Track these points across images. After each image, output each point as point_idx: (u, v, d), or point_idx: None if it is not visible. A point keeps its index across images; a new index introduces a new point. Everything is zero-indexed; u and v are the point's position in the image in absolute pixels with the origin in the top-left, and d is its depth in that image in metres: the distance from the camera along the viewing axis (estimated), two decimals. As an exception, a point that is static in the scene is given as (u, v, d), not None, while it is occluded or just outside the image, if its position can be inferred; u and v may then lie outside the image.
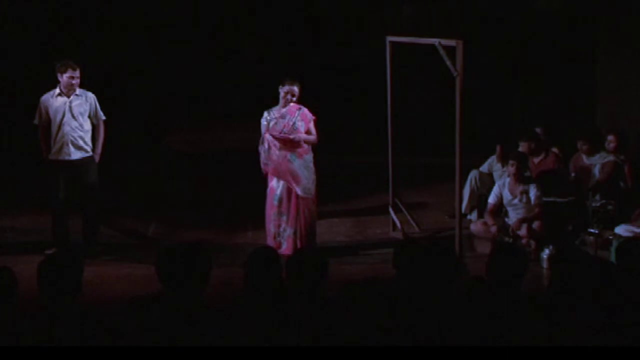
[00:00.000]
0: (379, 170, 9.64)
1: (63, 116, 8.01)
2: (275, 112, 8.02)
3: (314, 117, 8.04)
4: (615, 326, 4.11)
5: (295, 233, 8.00)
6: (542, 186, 8.46)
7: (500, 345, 3.93)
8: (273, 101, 8.14)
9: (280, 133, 7.92)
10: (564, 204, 8.63)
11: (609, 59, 11.19)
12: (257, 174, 8.41)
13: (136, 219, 9.47)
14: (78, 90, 8.08)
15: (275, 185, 8.03)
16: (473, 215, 9.15)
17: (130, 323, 4.11)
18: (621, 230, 7.87)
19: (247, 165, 8.61)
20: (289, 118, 7.95)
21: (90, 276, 5.34)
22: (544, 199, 8.40)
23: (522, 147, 8.99)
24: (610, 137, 8.88)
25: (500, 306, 4.14)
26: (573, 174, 9.01)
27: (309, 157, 8.06)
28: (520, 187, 8.40)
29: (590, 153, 8.87)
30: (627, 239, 6.20)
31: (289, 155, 7.94)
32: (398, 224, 8.92)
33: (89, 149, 8.17)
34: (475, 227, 8.59)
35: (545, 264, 7.69)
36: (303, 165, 7.99)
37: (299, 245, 7.90)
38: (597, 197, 8.59)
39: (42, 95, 8.11)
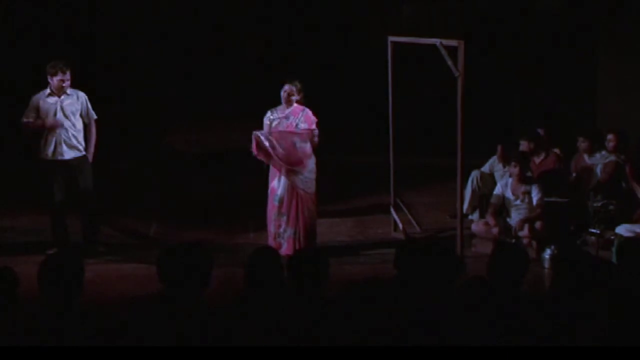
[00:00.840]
0: (380, 170, 9.64)
1: (55, 116, 8.00)
2: (279, 112, 8.02)
3: (316, 120, 8.04)
4: (615, 326, 4.10)
5: (295, 233, 8.00)
6: (543, 186, 8.45)
7: (500, 345, 3.93)
8: (273, 101, 8.13)
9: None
10: (565, 204, 8.63)
11: (609, 59, 11.19)
12: (258, 174, 8.40)
13: (137, 219, 9.47)
14: (69, 90, 8.08)
15: (277, 186, 8.03)
16: (474, 216, 9.14)
17: (131, 323, 4.11)
18: (622, 230, 7.86)
19: (248, 165, 8.59)
20: (293, 119, 7.96)
21: (90, 276, 5.34)
22: (545, 199, 8.40)
23: (523, 145, 8.99)
24: (610, 137, 8.88)
25: (501, 306, 4.14)
26: (574, 174, 9.01)
27: (312, 161, 8.05)
28: (522, 188, 8.40)
29: (589, 151, 8.86)
30: (628, 239, 6.21)
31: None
32: (399, 224, 8.92)
33: (82, 148, 8.17)
34: (477, 227, 8.58)
35: (546, 264, 7.69)
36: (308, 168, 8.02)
37: (299, 246, 7.89)
38: (599, 197, 8.59)
39: (32, 94, 8.11)
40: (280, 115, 7.98)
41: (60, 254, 7.60)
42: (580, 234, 8.32)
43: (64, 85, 7.97)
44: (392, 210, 9.07)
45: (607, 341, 4.02)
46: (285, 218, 8.01)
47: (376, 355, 3.85)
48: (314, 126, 8.02)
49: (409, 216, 9.06)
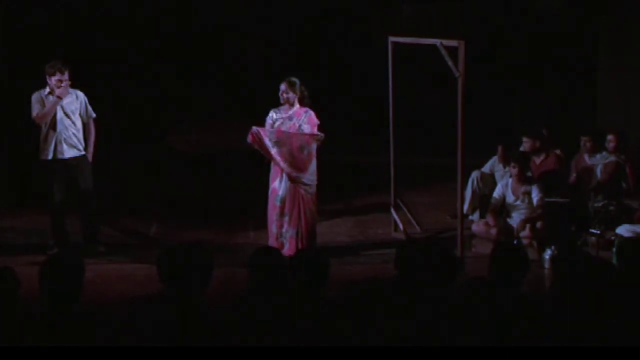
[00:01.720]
0: (380, 170, 9.64)
1: (55, 114, 8.01)
2: (282, 112, 8.01)
3: (318, 122, 8.04)
4: (615, 326, 4.10)
5: (297, 233, 7.99)
6: (544, 187, 8.45)
7: (500, 346, 3.92)
8: (274, 101, 8.13)
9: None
10: (565, 204, 8.63)
11: (609, 59, 11.19)
12: (259, 174, 8.40)
13: (137, 219, 9.47)
14: (68, 89, 8.08)
15: (278, 186, 8.03)
16: (475, 216, 9.14)
17: (131, 323, 4.11)
18: (623, 230, 7.86)
19: (249, 166, 8.60)
20: (296, 120, 7.96)
21: (91, 276, 5.33)
22: (546, 199, 8.40)
23: (526, 143, 8.98)
24: (610, 137, 8.88)
25: (501, 306, 4.13)
26: (575, 175, 9.01)
27: (314, 163, 8.05)
28: (523, 188, 8.40)
29: (593, 151, 8.85)
30: (629, 239, 6.20)
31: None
32: (400, 225, 8.91)
33: (81, 147, 8.17)
34: (477, 227, 8.57)
35: (547, 265, 7.69)
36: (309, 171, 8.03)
37: (301, 246, 7.89)
38: (599, 197, 8.59)
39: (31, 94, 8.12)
40: (284, 116, 7.98)
41: (61, 254, 7.64)
42: (581, 234, 8.32)
43: (62, 85, 7.96)
44: (392, 210, 9.07)
45: (607, 341, 4.02)
46: (287, 218, 8.00)
47: (376, 355, 3.85)
48: (315, 129, 8.01)
49: (409, 216, 9.06)
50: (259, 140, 7.86)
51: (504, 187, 8.53)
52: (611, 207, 8.44)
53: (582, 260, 4.47)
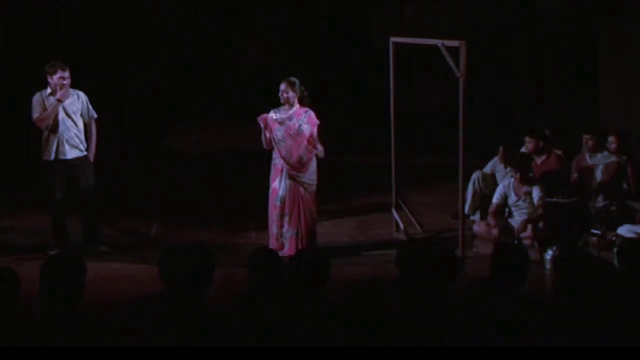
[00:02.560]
0: (382, 171, 9.63)
1: (57, 115, 8.00)
2: (282, 112, 8.00)
3: (318, 122, 8.03)
4: (616, 326, 4.10)
5: (297, 234, 7.99)
6: (545, 187, 8.45)
7: (500, 346, 3.92)
8: (274, 101, 8.13)
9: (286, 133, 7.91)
10: (566, 204, 8.62)
11: (609, 59, 11.19)
12: (259, 175, 8.40)
13: (138, 219, 9.47)
14: (69, 90, 8.08)
15: (278, 186, 8.02)
16: (476, 216, 9.13)
17: (132, 323, 4.10)
18: (624, 231, 7.86)
19: (249, 166, 8.60)
20: (296, 120, 7.95)
21: (92, 276, 5.32)
22: (547, 199, 8.39)
23: (529, 143, 8.98)
24: (611, 138, 8.88)
25: (502, 307, 4.13)
26: (576, 175, 9.00)
27: (314, 163, 8.06)
28: (524, 188, 8.39)
29: (594, 149, 8.84)
30: (630, 239, 6.20)
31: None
32: (401, 225, 8.91)
33: (83, 147, 8.17)
34: (478, 228, 8.57)
35: (548, 265, 7.69)
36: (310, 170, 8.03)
37: (301, 246, 7.88)
38: (600, 198, 8.59)
39: (32, 94, 8.11)
40: (284, 116, 7.97)
41: (62, 254, 7.64)
42: (582, 234, 8.32)
43: (64, 82, 7.95)
44: (393, 210, 9.06)
45: (607, 341, 4.02)
46: (287, 218, 8.00)
47: (376, 356, 3.85)
48: (315, 129, 8.00)
49: (410, 216, 9.05)
50: (269, 129, 7.87)
51: (506, 187, 8.53)
52: (612, 208, 8.44)
53: (583, 261, 4.46)
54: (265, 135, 7.95)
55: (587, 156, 8.93)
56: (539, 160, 9.03)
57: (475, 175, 9.25)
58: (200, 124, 13.13)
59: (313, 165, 8.03)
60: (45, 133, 8.04)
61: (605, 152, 8.86)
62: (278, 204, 8.02)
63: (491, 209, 8.56)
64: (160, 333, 3.99)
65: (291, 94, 7.93)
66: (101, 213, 8.49)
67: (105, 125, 8.52)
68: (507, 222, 8.45)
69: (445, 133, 9.00)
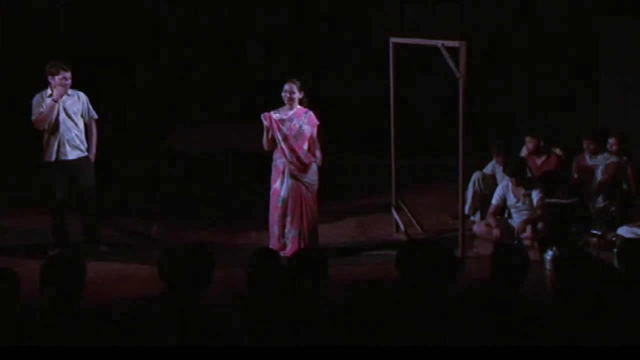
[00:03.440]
0: (382, 171, 9.63)
1: (58, 116, 8.00)
2: (282, 113, 7.99)
3: (318, 123, 8.02)
4: (616, 326, 4.10)
5: (300, 234, 7.98)
6: (545, 187, 8.45)
7: (500, 346, 3.92)
8: (274, 102, 8.12)
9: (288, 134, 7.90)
10: (566, 205, 8.63)
11: (610, 59, 11.20)
12: (259, 175, 8.39)
13: (138, 219, 9.47)
14: (70, 91, 8.07)
15: (279, 187, 8.01)
16: (476, 217, 9.13)
17: (132, 323, 4.10)
18: (623, 231, 7.87)
19: (249, 166, 8.60)
20: (296, 121, 7.93)
21: (92, 276, 5.33)
22: (547, 200, 8.39)
23: (530, 143, 8.99)
24: (612, 140, 8.88)
25: (502, 307, 4.13)
26: (576, 176, 9.00)
27: (315, 164, 8.07)
28: (523, 190, 8.39)
29: (595, 152, 8.84)
30: (629, 240, 6.20)
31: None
32: (401, 225, 8.91)
33: (84, 148, 8.17)
34: (478, 228, 8.58)
35: (548, 266, 7.69)
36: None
37: (304, 246, 7.87)
38: (600, 198, 8.59)
39: (33, 95, 8.10)
40: (284, 117, 7.95)
41: (62, 254, 7.63)
42: (582, 235, 8.32)
43: (66, 83, 7.96)
44: (393, 211, 9.06)
45: (607, 341, 4.02)
46: (289, 219, 7.99)
47: (376, 356, 3.85)
48: (315, 129, 8.00)
49: (411, 217, 9.05)
50: (273, 128, 7.86)
51: (505, 188, 8.53)
52: (612, 208, 8.45)
53: (583, 261, 4.47)
54: (267, 135, 7.94)
55: (587, 157, 8.93)
56: (539, 160, 9.03)
57: (476, 175, 9.25)
58: (200, 124, 13.11)
59: (314, 166, 8.04)
60: (46, 134, 8.04)
61: (606, 153, 8.85)
62: (280, 204, 8.01)
63: (490, 210, 8.56)
64: (160, 333, 3.99)
65: (296, 94, 7.93)
66: (101, 213, 8.49)
67: (105, 125, 8.52)
68: (507, 223, 8.45)
69: (446, 133, 8.99)
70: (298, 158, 7.93)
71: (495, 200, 8.56)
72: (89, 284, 4.34)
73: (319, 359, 3.90)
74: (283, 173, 7.98)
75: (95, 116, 8.26)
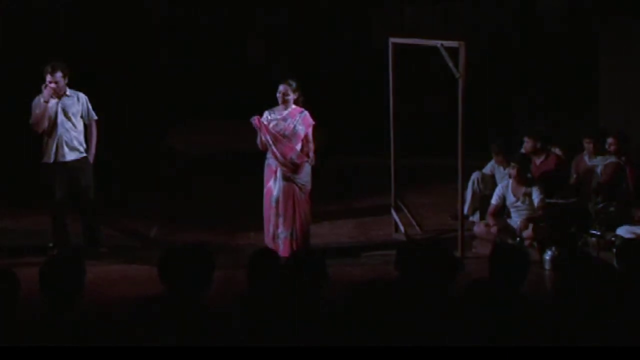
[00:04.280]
0: (381, 171, 9.63)
1: (56, 117, 8.00)
2: (277, 113, 7.98)
3: (313, 123, 8.00)
4: (615, 326, 4.10)
5: (291, 235, 7.95)
6: (544, 188, 8.45)
7: (500, 346, 3.92)
8: (273, 102, 8.12)
9: (280, 134, 7.89)
10: (566, 205, 8.63)
11: (610, 59, 11.19)
12: (259, 175, 8.39)
13: (138, 220, 9.47)
14: (69, 91, 8.07)
15: (273, 186, 7.99)
16: (475, 217, 9.13)
17: (132, 324, 4.11)
18: (623, 231, 7.87)
19: (249, 166, 8.60)
20: (290, 121, 7.92)
21: (92, 277, 5.33)
22: (546, 200, 8.40)
23: (527, 143, 8.99)
24: (610, 140, 8.89)
25: (502, 307, 4.13)
26: (575, 176, 9.01)
27: (307, 166, 8.05)
28: (523, 189, 8.41)
29: (595, 152, 8.85)
30: (629, 240, 6.21)
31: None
32: (400, 226, 8.91)
33: (82, 149, 8.17)
34: (478, 228, 8.58)
35: (547, 266, 7.69)
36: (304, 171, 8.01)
37: (295, 247, 7.85)
38: (599, 198, 8.59)
39: (33, 96, 8.11)
40: (278, 117, 7.94)
41: (61, 255, 7.63)
42: (581, 235, 8.32)
43: (52, 86, 7.93)
44: (393, 211, 9.07)
45: (607, 341, 4.02)
46: (281, 219, 7.97)
47: (376, 356, 3.85)
48: (310, 129, 7.98)
49: (410, 217, 9.05)
50: (263, 131, 7.84)
51: (504, 188, 8.54)
52: (611, 208, 8.45)
53: (582, 261, 4.47)
54: (260, 136, 7.93)
55: (586, 157, 8.94)
56: (538, 160, 9.04)
57: (475, 175, 9.26)
58: (200, 124, 13.11)
59: (307, 167, 8.01)
60: (45, 135, 8.05)
61: (605, 154, 8.86)
62: (273, 204, 8.00)
63: (490, 210, 8.57)
64: (160, 333, 3.99)
65: (291, 96, 7.92)
66: (101, 214, 8.49)
67: (106, 125, 8.52)
68: (507, 223, 8.46)
69: (445, 134, 8.99)
70: (290, 159, 7.89)
71: (494, 200, 8.57)
72: (88, 284, 4.34)
73: (319, 359, 3.91)
74: (275, 173, 7.96)
75: (95, 117, 8.25)
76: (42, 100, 7.94)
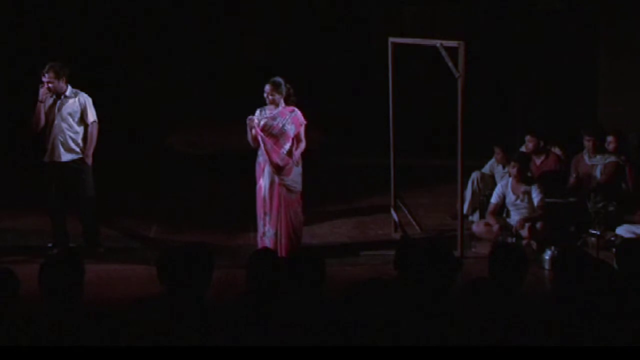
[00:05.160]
0: (381, 171, 9.64)
1: (53, 118, 8.01)
2: (267, 111, 7.95)
3: (305, 122, 7.96)
4: (614, 326, 4.11)
5: (276, 234, 7.92)
6: (544, 187, 8.46)
7: (500, 346, 3.93)
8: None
9: (268, 133, 7.85)
10: (565, 205, 8.63)
11: (609, 59, 11.20)
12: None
13: (137, 220, 9.47)
14: (68, 92, 8.05)
15: (262, 184, 7.97)
16: (475, 216, 9.14)
17: (131, 324, 4.11)
18: (622, 231, 7.87)
19: (249, 166, 8.59)
20: (280, 120, 7.87)
21: (91, 277, 5.35)
22: (546, 199, 8.40)
23: (530, 142, 9.00)
24: (610, 138, 8.90)
25: (501, 307, 4.14)
26: (574, 175, 9.01)
27: (299, 168, 8.02)
28: (523, 188, 8.41)
29: (595, 150, 8.85)
30: (628, 239, 6.21)
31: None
32: (400, 226, 8.92)
33: (79, 150, 8.14)
34: (477, 228, 8.59)
35: (547, 265, 7.69)
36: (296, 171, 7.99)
37: (280, 247, 7.80)
38: (599, 198, 8.59)
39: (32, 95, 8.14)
40: (268, 116, 7.89)
41: (61, 254, 7.63)
42: (581, 234, 8.33)
43: (49, 85, 7.94)
44: (392, 211, 9.07)
45: (607, 341, 4.02)
46: (268, 218, 7.95)
47: (376, 356, 3.85)
48: (302, 129, 7.93)
49: (410, 217, 9.06)
50: (257, 129, 7.82)
51: (504, 186, 8.54)
52: (611, 208, 8.45)
53: (581, 261, 4.47)
54: (250, 132, 7.88)
55: (585, 157, 8.94)
56: (538, 160, 9.05)
57: (474, 175, 9.27)
58: (200, 124, 13.12)
59: (297, 169, 7.96)
60: (42, 135, 8.06)
61: (605, 153, 8.86)
62: (261, 202, 7.98)
63: (490, 209, 8.58)
64: (160, 333, 4.00)
65: (277, 96, 7.87)
66: (100, 214, 8.48)
67: (106, 125, 8.52)
68: (506, 222, 8.47)
69: (445, 133, 9.00)
70: (275, 162, 7.84)
71: (494, 199, 8.58)
72: (88, 284, 4.34)
73: (319, 359, 3.91)
74: (263, 170, 7.93)
75: (95, 118, 8.18)
76: (39, 100, 7.97)
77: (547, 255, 7.76)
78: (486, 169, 9.40)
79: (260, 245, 7.76)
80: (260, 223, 8.01)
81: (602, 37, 11.41)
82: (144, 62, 12.96)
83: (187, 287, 4.19)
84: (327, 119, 11.78)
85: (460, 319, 4.07)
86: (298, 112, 7.92)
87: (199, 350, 3.92)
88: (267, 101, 7.89)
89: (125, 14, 12.97)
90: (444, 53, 7.77)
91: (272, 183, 7.87)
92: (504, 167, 9.11)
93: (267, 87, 7.88)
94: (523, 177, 8.42)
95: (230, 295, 4.60)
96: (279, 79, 7.92)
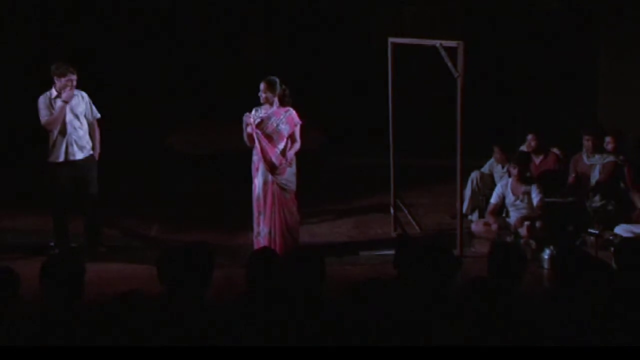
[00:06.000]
0: (380, 171, 9.65)
1: (65, 117, 8.03)
2: (262, 111, 7.95)
3: (300, 122, 7.95)
4: (614, 326, 4.12)
5: (270, 233, 7.92)
6: (543, 187, 8.47)
7: (500, 346, 3.94)
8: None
9: (262, 132, 7.85)
10: (564, 204, 8.64)
11: (609, 59, 11.20)
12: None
13: (138, 219, 9.48)
14: (75, 90, 8.10)
15: (256, 183, 7.97)
16: (474, 216, 9.16)
17: (131, 323, 4.12)
18: (621, 230, 7.88)
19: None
20: (274, 119, 7.86)
21: (92, 276, 5.34)
22: (545, 199, 8.41)
23: (532, 140, 9.01)
24: (608, 139, 8.91)
25: (501, 306, 4.15)
26: (573, 175, 9.02)
27: (293, 168, 8.02)
28: (522, 188, 8.42)
29: (594, 150, 8.86)
30: (627, 239, 6.22)
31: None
32: (399, 225, 8.93)
33: (89, 147, 8.22)
34: (477, 227, 8.60)
35: (545, 264, 7.71)
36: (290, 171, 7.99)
37: (274, 246, 7.78)
38: (597, 197, 8.61)
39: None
40: (262, 115, 7.89)
41: (62, 254, 7.66)
42: (579, 234, 8.34)
43: (73, 85, 7.99)
44: (392, 210, 9.08)
45: (607, 341, 4.03)
46: (262, 217, 7.96)
47: (376, 356, 3.86)
48: (297, 128, 7.91)
49: (409, 217, 9.07)
50: (253, 127, 7.82)
51: (504, 186, 8.56)
52: (610, 207, 8.47)
53: (580, 260, 4.48)
54: (246, 130, 7.89)
55: (584, 156, 8.95)
56: (537, 159, 9.07)
57: (474, 175, 9.28)
58: (200, 124, 13.13)
59: (292, 169, 7.95)
60: (54, 135, 8.05)
61: (604, 153, 8.87)
62: (255, 201, 7.98)
63: (489, 208, 8.60)
64: (160, 333, 4.01)
65: (270, 94, 7.87)
66: (102, 213, 8.50)
67: (106, 125, 8.54)
68: (506, 222, 8.48)
69: (444, 133, 9.00)
70: (269, 161, 7.84)
71: (494, 199, 8.59)
72: (88, 284, 4.36)
73: (319, 359, 3.92)
74: (257, 169, 7.94)
75: (98, 115, 8.30)
76: (61, 100, 7.96)
77: (546, 254, 7.77)
78: (485, 168, 9.41)
79: (255, 246, 7.76)
80: (255, 223, 8.01)
81: (602, 37, 11.41)
82: (144, 62, 12.96)
83: (188, 287, 4.20)
84: (327, 119, 11.81)
85: (458, 318, 4.08)
86: (293, 112, 7.90)
87: (199, 350, 3.93)
88: (261, 99, 7.90)
89: (125, 14, 12.98)
90: (443, 53, 7.77)
91: (265, 182, 7.87)
92: (503, 167, 9.12)
93: (262, 86, 7.90)
94: (523, 178, 8.44)
95: (230, 295, 4.60)
96: (274, 78, 7.93)
